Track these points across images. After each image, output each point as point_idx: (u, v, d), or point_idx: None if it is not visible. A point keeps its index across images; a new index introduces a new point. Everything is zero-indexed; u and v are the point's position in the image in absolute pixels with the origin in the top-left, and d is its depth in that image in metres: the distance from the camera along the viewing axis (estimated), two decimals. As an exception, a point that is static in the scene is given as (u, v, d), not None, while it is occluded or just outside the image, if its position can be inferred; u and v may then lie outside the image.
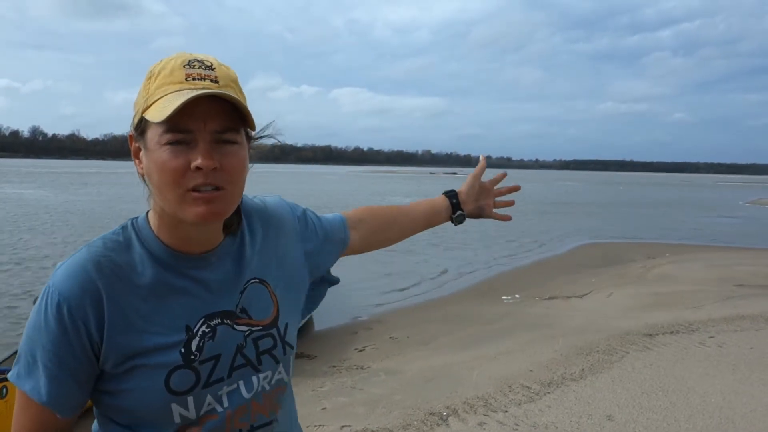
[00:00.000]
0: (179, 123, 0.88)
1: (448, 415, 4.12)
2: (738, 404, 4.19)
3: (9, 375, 1.00)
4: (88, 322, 0.92)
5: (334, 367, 5.78)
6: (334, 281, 1.31)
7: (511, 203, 1.54)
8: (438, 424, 3.99)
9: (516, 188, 1.55)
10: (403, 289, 10.25)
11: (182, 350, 0.95)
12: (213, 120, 0.90)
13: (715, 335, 5.98)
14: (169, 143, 0.89)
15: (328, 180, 69.52)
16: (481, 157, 1.51)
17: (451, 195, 1.46)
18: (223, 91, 0.90)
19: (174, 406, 0.95)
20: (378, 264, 11.69)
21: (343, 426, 3.98)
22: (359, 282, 10.06)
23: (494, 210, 1.51)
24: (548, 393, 4.49)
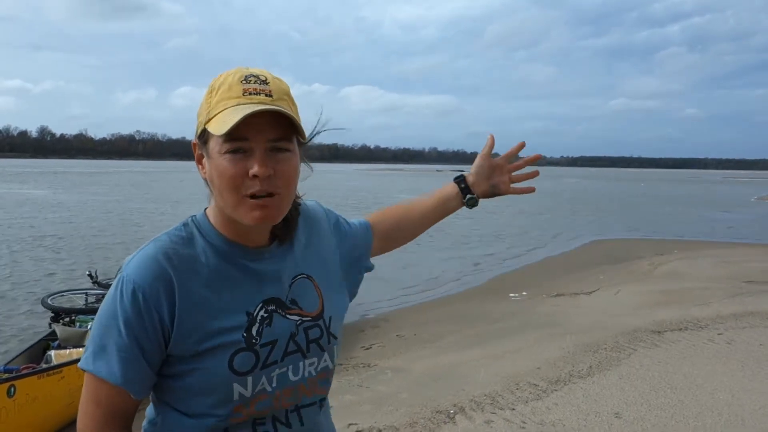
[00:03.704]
0: (237, 133, 0.97)
1: (455, 413, 4.11)
2: (747, 401, 4.16)
3: (80, 363, 1.05)
4: (160, 307, 1.01)
5: (340, 365, 5.78)
6: (369, 267, 1.39)
7: (534, 174, 1.45)
8: (445, 422, 3.99)
9: (536, 157, 1.48)
10: (410, 287, 10.23)
11: (244, 334, 1.05)
12: (268, 131, 1.00)
13: (723, 332, 5.94)
14: (228, 152, 0.99)
15: (335, 179, 69.57)
16: (489, 136, 1.44)
17: (459, 180, 1.45)
18: (276, 105, 1.00)
19: (235, 385, 1.04)
20: (385, 262, 11.65)
21: (350, 424, 3.98)
22: (366, 280, 10.03)
23: (513, 185, 1.44)
24: (555, 391, 4.47)
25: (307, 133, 1.08)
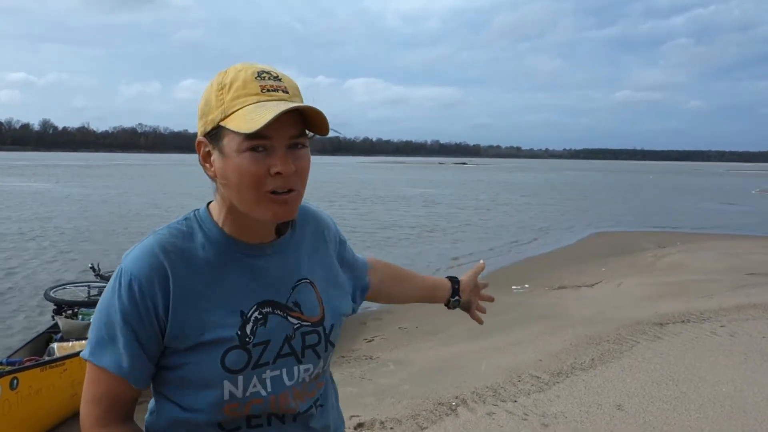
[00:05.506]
0: (261, 131, 0.96)
1: (456, 405, 4.12)
2: (749, 393, 4.15)
3: (82, 353, 1.06)
4: (156, 299, 1.02)
5: (342, 357, 5.79)
6: (355, 309, 1.40)
7: (483, 311, 1.70)
8: (447, 414, 3.99)
9: (491, 299, 1.73)
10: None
11: (238, 332, 1.05)
12: (289, 128, 1.00)
13: (726, 324, 5.93)
14: (248, 150, 0.98)
15: (339, 171, 69.50)
16: (481, 261, 1.73)
17: (454, 281, 1.62)
18: (295, 101, 1.01)
19: (226, 383, 1.04)
20: (387, 254, 11.69)
21: (351, 416, 3.98)
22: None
23: (476, 312, 1.68)
24: (558, 383, 4.47)
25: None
